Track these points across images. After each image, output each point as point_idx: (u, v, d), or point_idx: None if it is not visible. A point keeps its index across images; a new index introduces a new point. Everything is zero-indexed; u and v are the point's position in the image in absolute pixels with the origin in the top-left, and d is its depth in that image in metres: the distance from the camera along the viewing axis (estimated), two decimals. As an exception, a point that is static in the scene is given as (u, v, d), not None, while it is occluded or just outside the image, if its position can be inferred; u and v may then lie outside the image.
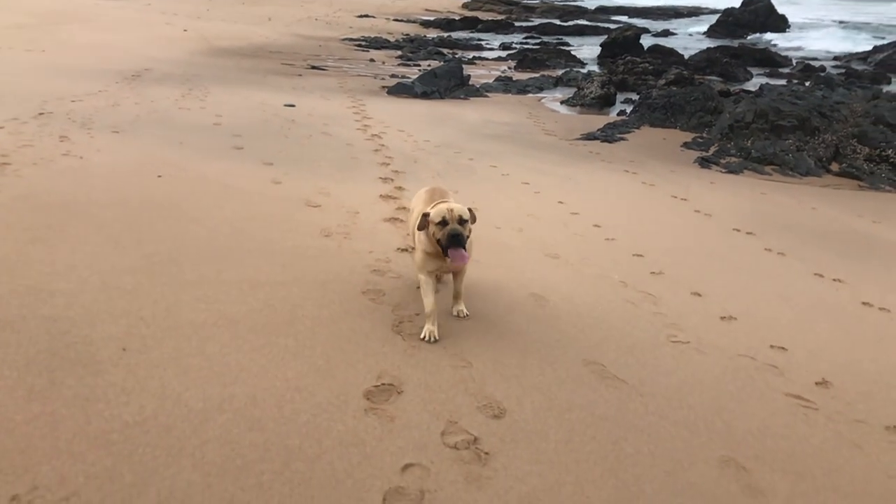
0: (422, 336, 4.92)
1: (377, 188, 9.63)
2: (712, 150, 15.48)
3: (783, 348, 5.54)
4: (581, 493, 3.48)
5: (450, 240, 4.61)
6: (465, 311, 5.38)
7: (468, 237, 4.78)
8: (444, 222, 4.66)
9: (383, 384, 4.32)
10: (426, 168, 11.29)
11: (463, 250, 4.63)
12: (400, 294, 5.82)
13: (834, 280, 7.60)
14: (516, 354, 4.92)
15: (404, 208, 8.67)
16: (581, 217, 9.26)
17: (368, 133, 14.06)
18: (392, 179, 10.25)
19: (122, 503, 3.08)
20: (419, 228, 4.88)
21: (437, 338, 4.90)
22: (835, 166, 14.91)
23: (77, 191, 7.94)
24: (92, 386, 3.97)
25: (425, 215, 4.80)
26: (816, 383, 4.98)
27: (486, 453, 3.72)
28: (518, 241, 7.90)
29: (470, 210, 4.88)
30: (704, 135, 16.87)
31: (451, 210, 4.70)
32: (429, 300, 4.95)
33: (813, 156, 14.76)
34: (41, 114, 12.64)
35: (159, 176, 9.03)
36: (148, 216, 7.23)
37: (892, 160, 14.40)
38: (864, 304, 6.91)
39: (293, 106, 16.45)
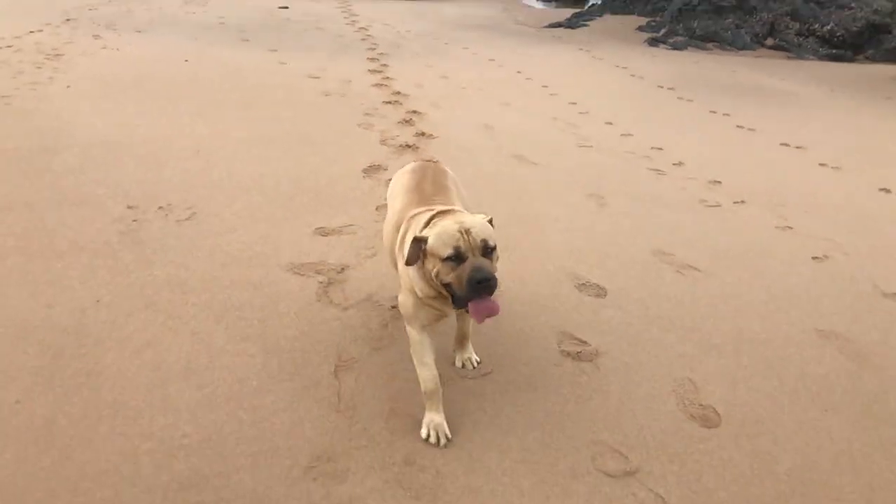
0: (424, 434, 2.97)
1: (365, 65, 11.58)
2: (663, 31, 17.23)
3: (660, 148, 7.71)
4: (496, 212, 5.70)
5: (475, 287, 2.55)
6: (474, 358, 3.44)
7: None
8: (457, 256, 2.60)
9: (373, 165, 6.48)
10: (407, 50, 13.19)
11: (492, 299, 2.62)
12: (386, 124, 7.93)
13: (723, 114, 9.71)
14: (464, 153, 7.07)
15: (388, 77, 10.66)
16: (533, 81, 11.27)
17: (356, 27, 15.83)
18: (378, 59, 12.18)
19: (223, 206, 5.26)
20: (408, 262, 2.76)
21: (449, 436, 2.96)
22: (769, 41, 16.73)
23: (124, 72, 9.90)
24: (184, 166, 6.12)
25: (417, 242, 2.71)
26: (673, 164, 7.17)
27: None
28: (478, 95, 9.94)
29: (490, 222, 2.80)
30: (658, 19, 18.56)
31: (468, 231, 2.61)
32: (427, 372, 2.98)
33: (749, 32, 16.55)
34: (68, 20, 14.36)
35: (186, 60, 10.95)
36: (187, 86, 9.24)
37: (818, 34, 16.20)
38: (737, 126, 9.05)
39: (287, 8, 18.10)
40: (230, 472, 2.72)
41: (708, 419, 3.19)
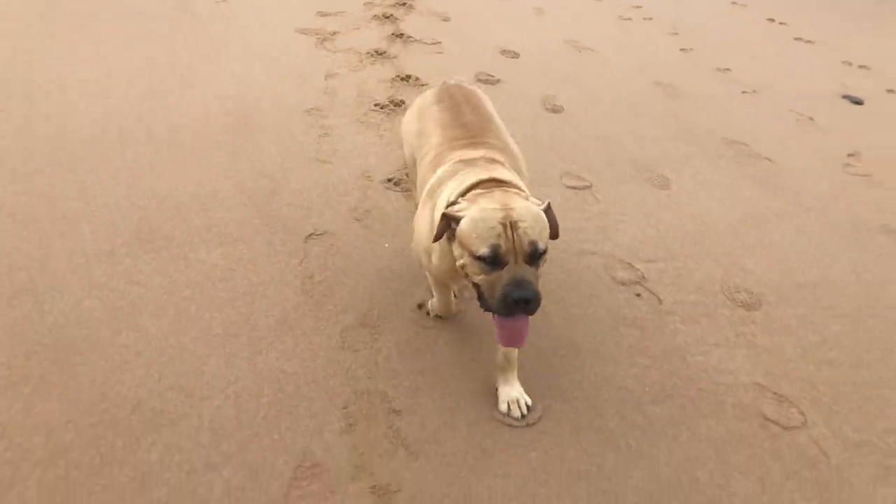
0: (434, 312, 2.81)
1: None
2: None
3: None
4: (465, 10, 7.28)
5: (509, 306, 1.94)
6: (525, 400, 2.49)
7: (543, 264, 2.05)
8: (492, 258, 1.94)
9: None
10: None
11: (525, 320, 2.04)
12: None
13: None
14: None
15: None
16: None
17: None
18: None
19: (250, 1, 6.92)
20: (436, 238, 2.11)
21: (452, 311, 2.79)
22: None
23: None
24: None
25: (447, 219, 2.06)
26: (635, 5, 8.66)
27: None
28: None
29: (547, 212, 2.08)
30: None
31: (515, 226, 1.93)
32: (440, 300, 2.71)
33: None
34: None
35: None
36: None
37: None
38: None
39: None
40: (257, 108, 4.56)
41: (556, 110, 5.00)
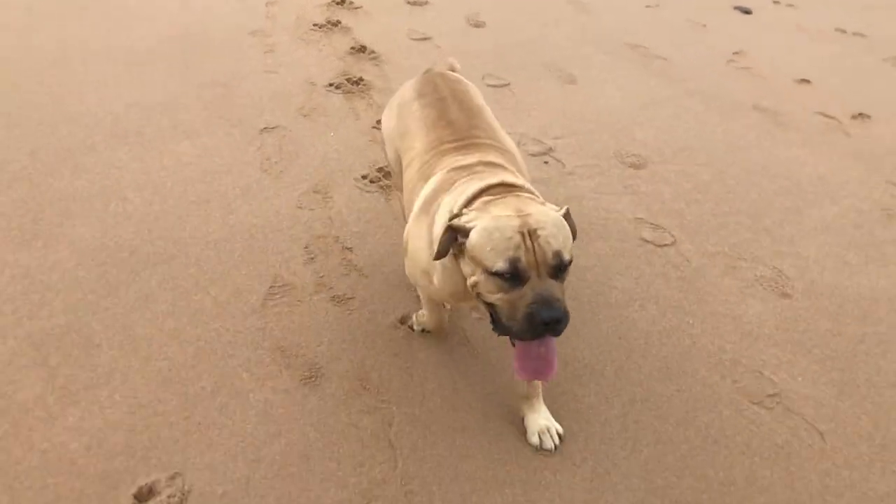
0: (411, 325, 2.57)
1: None
2: None
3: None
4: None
5: (535, 327, 1.67)
6: (556, 427, 2.23)
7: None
8: (512, 273, 1.67)
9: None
10: None
11: (553, 346, 1.80)
12: None
13: None
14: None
15: None
16: None
17: None
18: None
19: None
20: (438, 255, 1.80)
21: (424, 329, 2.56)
22: None
23: None
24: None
25: (453, 231, 1.78)
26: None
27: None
28: None
29: (567, 219, 1.81)
30: None
31: (534, 234, 1.67)
32: (436, 317, 2.45)
33: None
34: None
35: None
36: None
37: None
38: None
39: None
40: (205, 32, 4.95)
41: (479, 25, 5.51)
